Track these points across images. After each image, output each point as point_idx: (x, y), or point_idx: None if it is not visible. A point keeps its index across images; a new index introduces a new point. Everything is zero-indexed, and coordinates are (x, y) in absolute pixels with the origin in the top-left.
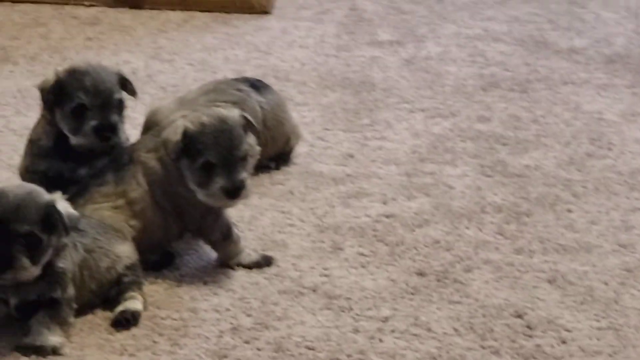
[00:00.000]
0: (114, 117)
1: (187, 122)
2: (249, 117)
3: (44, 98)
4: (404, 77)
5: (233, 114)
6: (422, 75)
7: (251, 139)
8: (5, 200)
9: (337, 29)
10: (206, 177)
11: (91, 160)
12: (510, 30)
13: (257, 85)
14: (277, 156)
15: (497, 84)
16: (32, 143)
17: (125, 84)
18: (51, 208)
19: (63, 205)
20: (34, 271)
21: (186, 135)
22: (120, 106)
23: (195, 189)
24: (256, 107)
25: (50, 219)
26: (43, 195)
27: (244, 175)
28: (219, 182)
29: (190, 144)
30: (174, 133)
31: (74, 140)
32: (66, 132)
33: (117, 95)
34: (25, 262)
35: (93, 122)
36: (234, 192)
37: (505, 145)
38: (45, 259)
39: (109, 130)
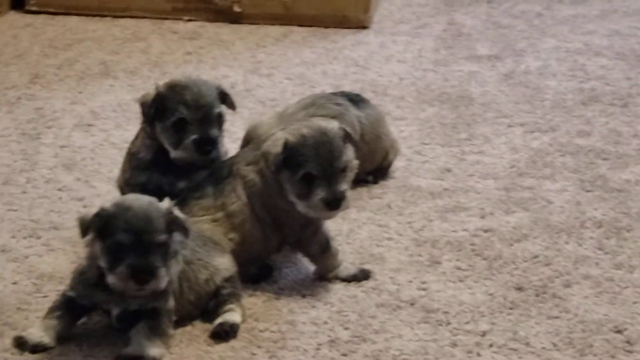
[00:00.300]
0: (214, 131)
1: (287, 134)
2: (348, 129)
3: (144, 112)
4: (503, 92)
5: (332, 125)
6: (521, 90)
7: (350, 151)
8: (133, 213)
9: (436, 44)
10: (307, 189)
11: (190, 173)
12: (611, 44)
13: (355, 100)
14: (376, 170)
15: (598, 99)
16: (131, 156)
17: (224, 98)
18: (171, 215)
19: (177, 210)
20: (167, 279)
21: (287, 147)
22: (220, 120)
23: (296, 201)
24: (355, 122)
25: (170, 225)
26: (159, 203)
27: (344, 186)
28: (319, 194)
29: (291, 156)
30: (274, 145)
31: (173, 153)
32: (166, 145)
33: (217, 109)
34: (163, 271)
35: (193, 136)
36: (335, 203)
37: (606, 160)
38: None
39: (209, 144)
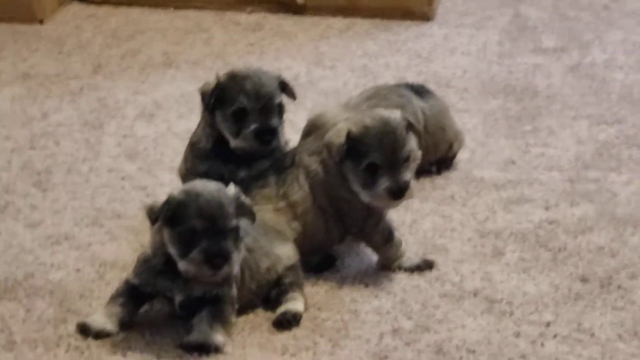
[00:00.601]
0: (274, 121)
1: (350, 125)
2: (411, 119)
3: (205, 101)
4: (568, 84)
5: (395, 115)
6: (587, 82)
7: (413, 141)
8: (204, 199)
9: (500, 36)
10: (370, 179)
11: (250, 162)
12: None
13: (419, 91)
14: (439, 161)
15: None
16: (192, 145)
17: (285, 88)
18: (239, 200)
19: (243, 196)
20: (239, 264)
21: (350, 137)
22: (280, 110)
23: (359, 191)
24: (418, 113)
25: (238, 211)
26: (226, 189)
27: (408, 175)
28: (383, 183)
29: (354, 146)
30: (337, 136)
31: (233, 143)
32: (226, 135)
33: (277, 99)
34: (236, 255)
35: (253, 126)
36: (399, 192)
37: None
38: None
39: (269, 134)
